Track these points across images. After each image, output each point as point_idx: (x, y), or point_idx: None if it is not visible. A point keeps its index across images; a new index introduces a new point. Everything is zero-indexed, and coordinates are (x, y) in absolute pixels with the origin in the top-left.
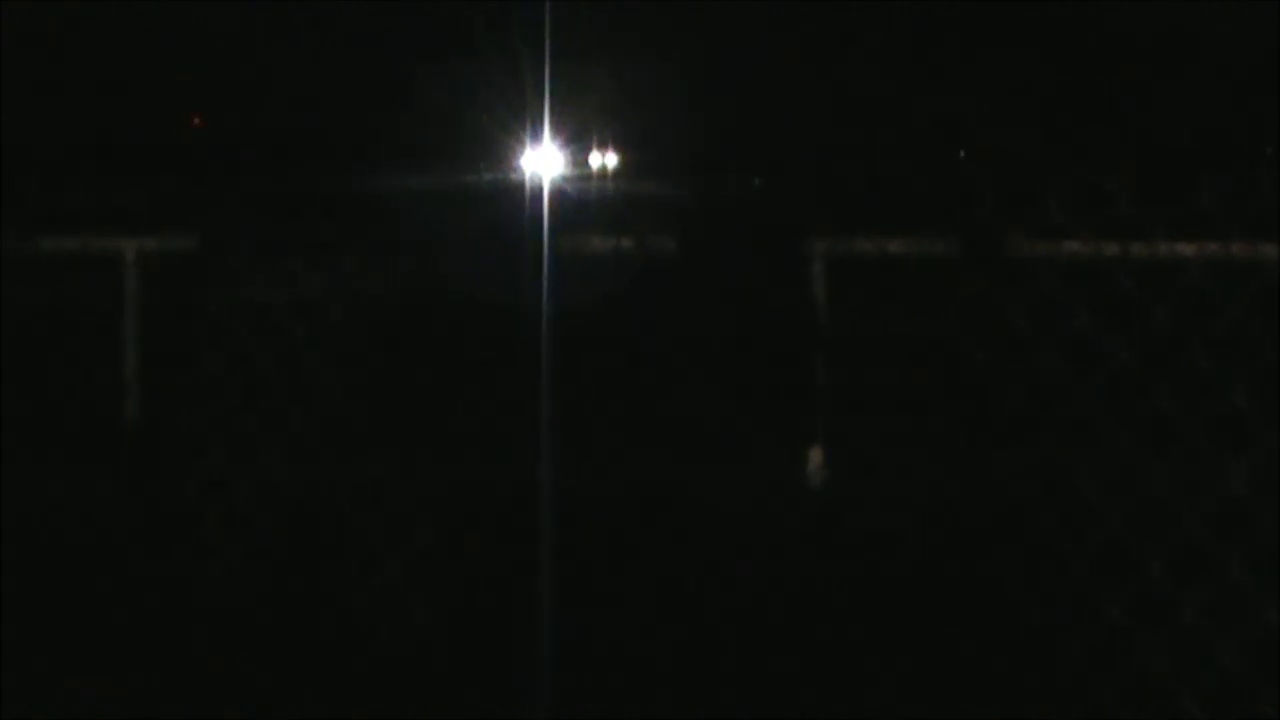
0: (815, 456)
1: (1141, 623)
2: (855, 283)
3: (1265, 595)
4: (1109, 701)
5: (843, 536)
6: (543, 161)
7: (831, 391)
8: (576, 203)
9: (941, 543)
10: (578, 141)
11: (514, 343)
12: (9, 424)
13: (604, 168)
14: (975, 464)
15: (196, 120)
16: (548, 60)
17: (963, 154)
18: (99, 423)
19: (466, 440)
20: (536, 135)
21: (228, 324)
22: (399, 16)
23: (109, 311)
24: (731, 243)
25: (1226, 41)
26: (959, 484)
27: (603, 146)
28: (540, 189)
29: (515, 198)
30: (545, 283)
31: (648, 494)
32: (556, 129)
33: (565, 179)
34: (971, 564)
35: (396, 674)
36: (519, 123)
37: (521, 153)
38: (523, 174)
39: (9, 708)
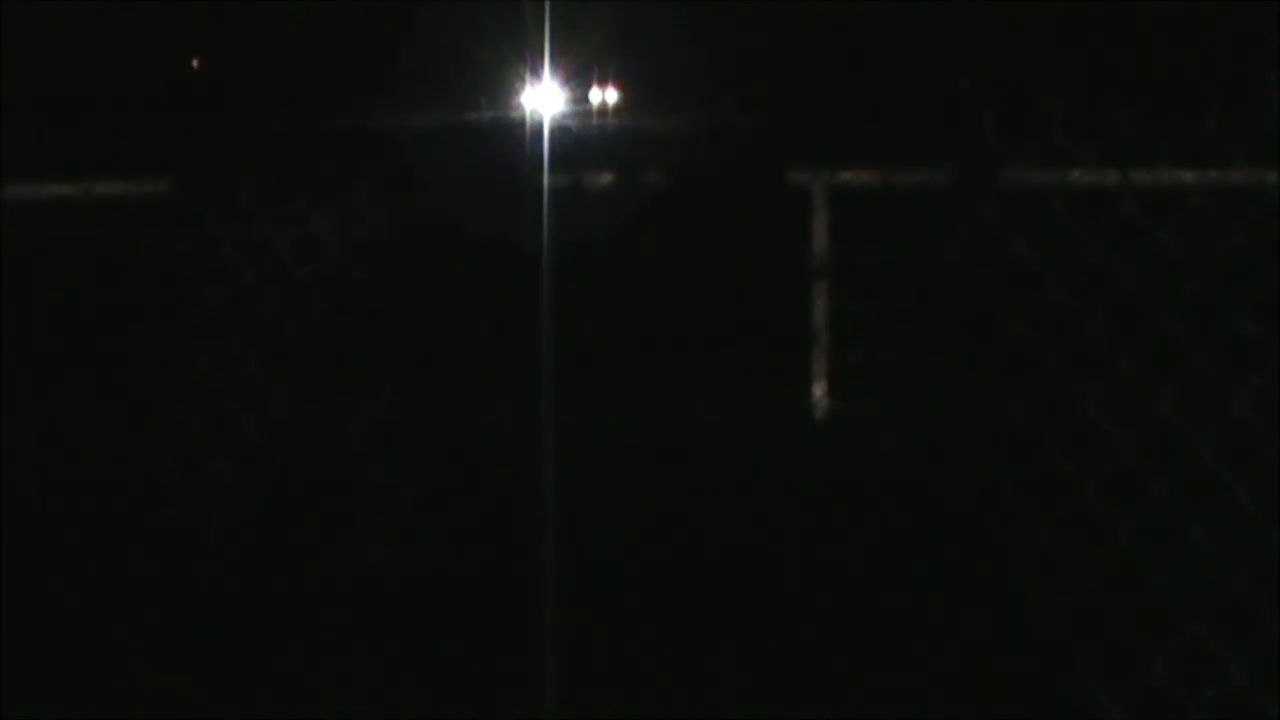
0: (818, 388)
1: (1149, 549)
2: (856, 213)
3: (1273, 519)
4: (1117, 627)
5: (846, 468)
6: (543, 98)
7: (835, 324)
8: (577, 139)
9: (946, 473)
10: (578, 77)
11: (514, 279)
12: (15, 369)
13: (604, 103)
14: (979, 394)
15: (194, 60)
16: None
17: (963, 82)
18: (101, 364)
19: (467, 377)
20: (537, 71)
21: (228, 262)
22: None
23: (109, 254)
24: (732, 176)
25: None
26: (963, 414)
27: (603, 82)
28: (540, 125)
29: (516, 134)
30: (545, 219)
31: (650, 429)
32: (557, 65)
33: (566, 115)
34: (977, 495)
35: (401, 613)
36: (519, 59)
37: (522, 89)
38: (523, 110)
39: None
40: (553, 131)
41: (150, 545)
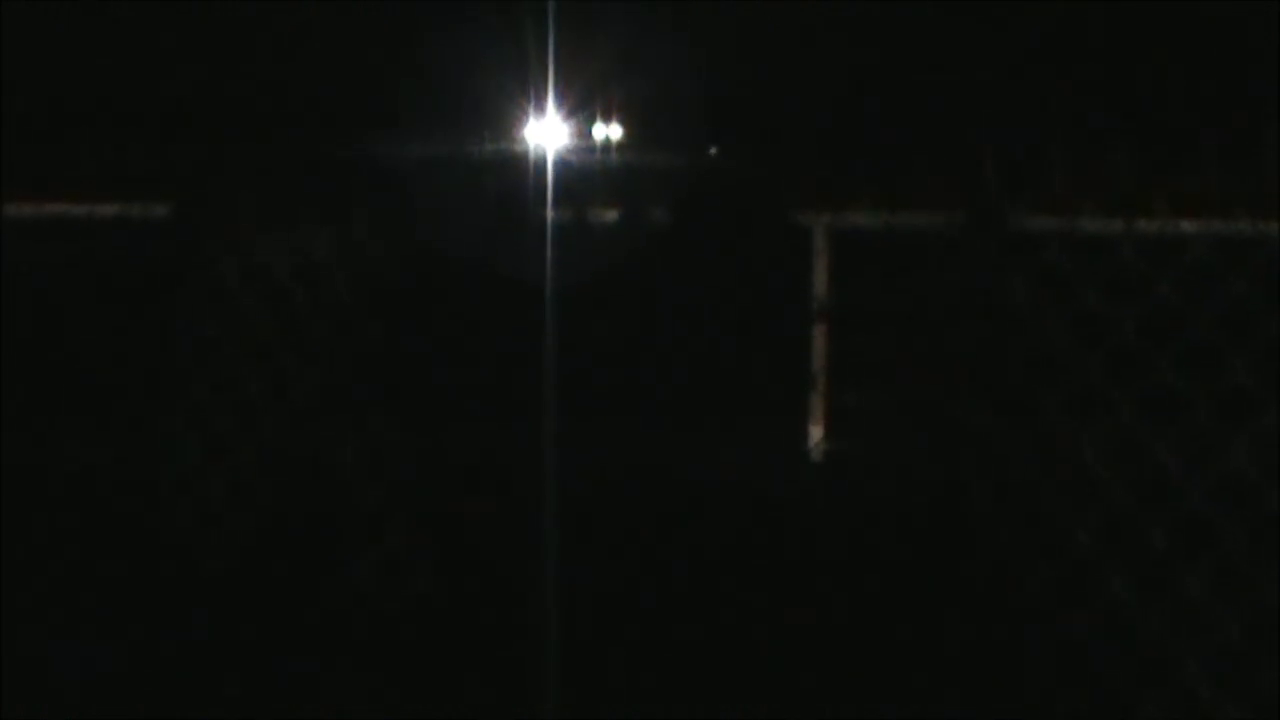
0: (816, 430)
1: (1144, 597)
2: (857, 255)
3: (1267, 569)
4: (1112, 675)
5: (843, 510)
6: (546, 132)
7: (833, 366)
8: (580, 173)
9: (943, 517)
10: (581, 112)
11: (517, 312)
12: (13, 389)
13: (607, 139)
14: (977, 438)
15: (198, 84)
16: (551, 30)
17: (967, 128)
18: (100, 388)
19: (469, 409)
20: (540, 105)
21: (226, 289)
22: None
23: (108, 275)
24: (734, 214)
25: (1231, 15)
26: (961, 459)
27: (606, 117)
28: (544, 159)
29: (519, 167)
30: (549, 253)
31: (649, 465)
32: (560, 99)
33: (569, 149)
34: (973, 539)
35: (396, 646)
36: (522, 92)
37: (525, 123)
38: (526, 144)
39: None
40: (556, 166)
41: (146, 568)
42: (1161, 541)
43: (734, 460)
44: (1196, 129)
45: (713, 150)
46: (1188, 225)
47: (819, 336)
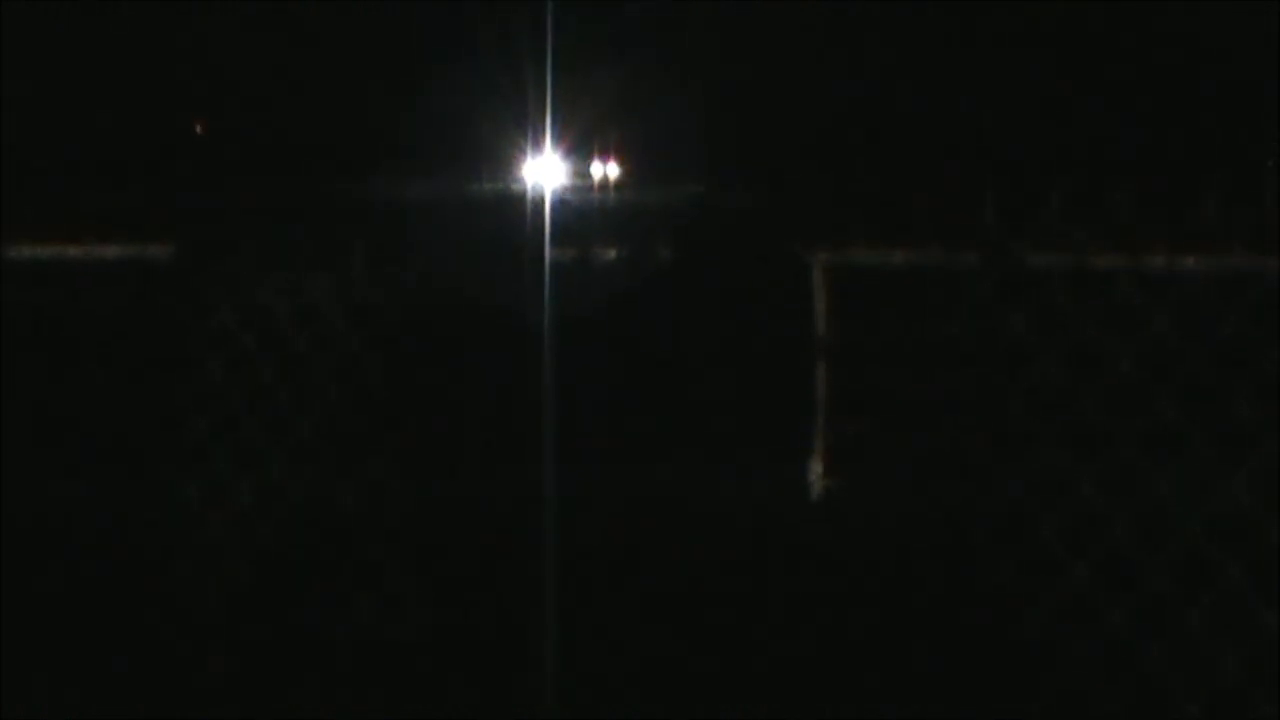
0: (816, 467)
1: (1144, 631)
2: (857, 293)
3: (1267, 603)
4: (1112, 710)
5: (843, 547)
6: (544, 170)
7: (833, 402)
8: (579, 212)
9: (944, 553)
10: (580, 150)
11: (516, 352)
12: (13, 431)
13: (606, 177)
14: (977, 474)
15: (196, 125)
16: (549, 68)
17: (966, 163)
18: (100, 430)
19: (468, 449)
20: (538, 144)
21: (226, 331)
22: (398, 22)
23: (107, 319)
24: (734, 252)
25: (1228, 52)
26: (962, 495)
27: (604, 155)
28: (542, 198)
29: (517, 206)
30: (547, 292)
31: (649, 503)
32: (558, 138)
33: (567, 188)
34: (975, 575)
35: (397, 687)
36: (520, 131)
37: (523, 161)
38: (524, 183)
39: (9, 710)
40: (555, 204)
41: (148, 610)
42: (1161, 576)
43: (733, 495)
44: (1197, 164)
45: (709, 187)
46: (1190, 260)
47: (819, 372)
